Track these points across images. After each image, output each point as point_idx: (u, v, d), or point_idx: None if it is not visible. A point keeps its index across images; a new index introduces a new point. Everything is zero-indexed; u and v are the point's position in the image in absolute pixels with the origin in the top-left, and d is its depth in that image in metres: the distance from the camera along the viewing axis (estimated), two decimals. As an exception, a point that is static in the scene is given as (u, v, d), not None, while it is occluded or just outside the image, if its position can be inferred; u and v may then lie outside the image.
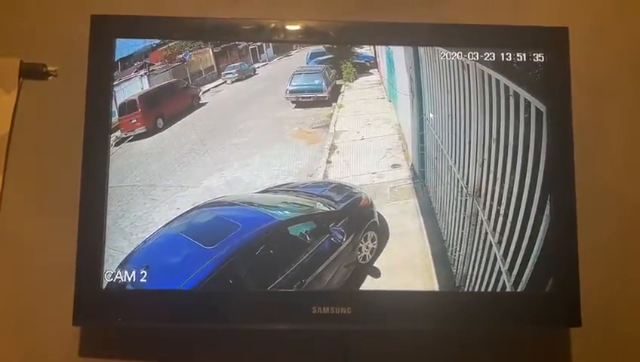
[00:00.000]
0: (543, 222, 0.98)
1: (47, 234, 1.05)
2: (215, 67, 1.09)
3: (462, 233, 1.04)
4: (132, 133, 1.05)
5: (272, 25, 1.04)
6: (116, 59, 1.02)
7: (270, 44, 1.08)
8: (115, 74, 1.02)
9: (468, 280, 1.01)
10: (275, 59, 1.09)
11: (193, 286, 0.95)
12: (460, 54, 1.05)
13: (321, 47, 1.08)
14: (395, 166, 1.06)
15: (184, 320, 0.97)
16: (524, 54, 1.04)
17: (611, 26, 1.17)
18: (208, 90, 1.09)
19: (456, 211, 1.06)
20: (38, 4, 1.13)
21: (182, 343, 1.05)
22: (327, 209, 1.03)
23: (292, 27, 1.04)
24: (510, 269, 0.99)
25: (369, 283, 1.00)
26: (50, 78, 1.11)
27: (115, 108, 1.02)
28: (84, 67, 1.00)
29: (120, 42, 1.03)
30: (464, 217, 1.04)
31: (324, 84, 1.10)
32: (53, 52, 1.11)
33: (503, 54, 1.03)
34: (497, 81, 1.02)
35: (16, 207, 1.07)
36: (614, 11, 1.18)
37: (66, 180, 1.02)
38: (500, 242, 1.00)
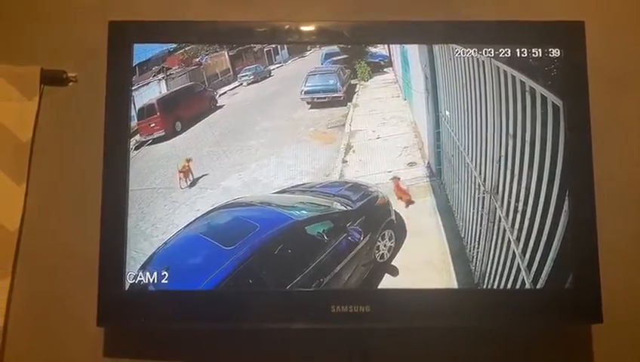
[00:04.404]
0: (562, 218, 0.98)
1: (70, 238, 1.08)
2: (231, 70, 1.10)
3: (480, 230, 1.03)
4: (151, 137, 1.06)
5: (286, 27, 1.05)
6: (134, 64, 1.04)
7: (285, 45, 1.08)
8: (133, 79, 1.04)
9: (487, 278, 1.01)
10: (290, 61, 1.10)
11: (213, 287, 0.96)
12: (475, 51, 1.04)
13: (335, 48, 1.08)
14: (411, 164, 1.06)
15: (205, 320, 0.99)
16: (540, 49, 1.03)
17: (627, 18, 1.15)
18: (225, 92, 1.11)
19: (473, 208, 1.06)
20: (57, 13, 1.15)
21: (203, 342, 1.06)
22: (344, 208, 1.03)
23: (306, 28, 1.05)
24: (529, 266, 0.98)
25: (387, 282, 1.00)
26: (70, 84, 1.13)
27: (134, 113, 1.04)
28: (103, 72, 1.02)
29: (138, 47, 1.04)
30: (482, 214, 1.03)
31: (338, 84, 1.10)
32: (73, 58, 1.13)
33: (518, 50, 1.03)
34: (513, 77, 1.01)
35: (39, 211, 1.09)
36: (630, 3, 1.16)
37: (87, 184, 1.04)
38: (518, 239, 1.00)
